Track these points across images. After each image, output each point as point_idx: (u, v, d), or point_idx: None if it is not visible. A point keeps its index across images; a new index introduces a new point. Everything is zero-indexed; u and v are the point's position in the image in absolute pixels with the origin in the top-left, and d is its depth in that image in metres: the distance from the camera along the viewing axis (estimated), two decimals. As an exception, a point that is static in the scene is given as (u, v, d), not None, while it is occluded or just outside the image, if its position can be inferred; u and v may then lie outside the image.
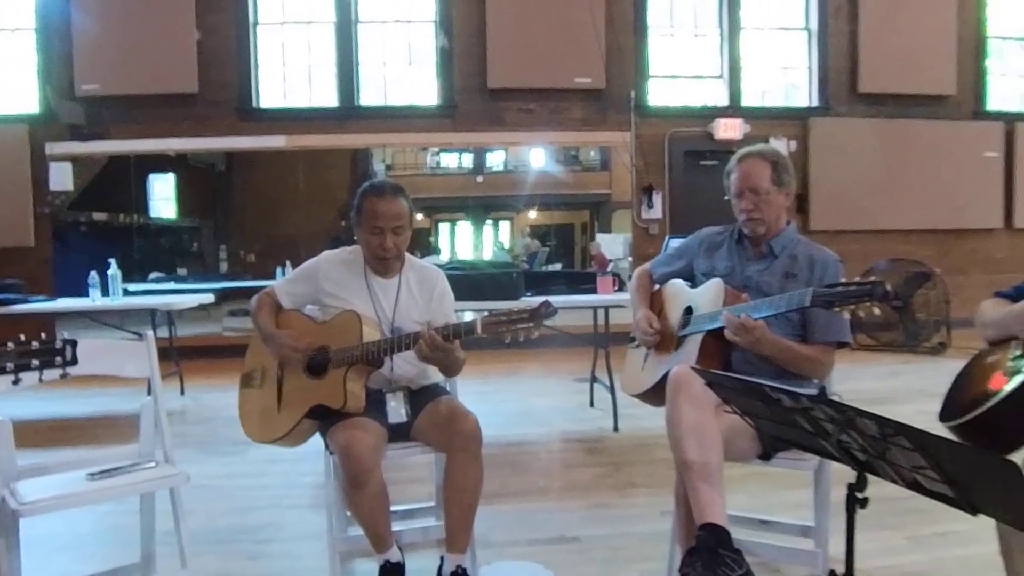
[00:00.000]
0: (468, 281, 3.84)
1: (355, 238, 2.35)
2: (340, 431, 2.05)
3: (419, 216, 2.40)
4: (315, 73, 7.56)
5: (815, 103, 8.09)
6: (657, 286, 2.53)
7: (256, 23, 7.40)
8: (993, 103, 8.52)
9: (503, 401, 5.07)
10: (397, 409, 2.23)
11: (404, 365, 2.27)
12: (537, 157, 7.96)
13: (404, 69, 7.66)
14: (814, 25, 8.07)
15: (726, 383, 1.48)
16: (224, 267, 7.71)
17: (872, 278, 1.78)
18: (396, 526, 2.23)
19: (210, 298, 5.49)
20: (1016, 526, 1.22)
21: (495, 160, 8.29)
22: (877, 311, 1.75)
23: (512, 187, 8.08)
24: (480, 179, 8.26)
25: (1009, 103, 8.69)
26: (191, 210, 8.07)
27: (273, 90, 7.55)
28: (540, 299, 2.08)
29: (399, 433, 2.23)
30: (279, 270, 5.97)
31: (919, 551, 2.49)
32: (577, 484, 3.27)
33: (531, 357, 6.64)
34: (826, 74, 8.03)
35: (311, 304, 2.39)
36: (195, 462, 3.54)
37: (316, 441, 2.26)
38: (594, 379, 4.83)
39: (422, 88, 7.60)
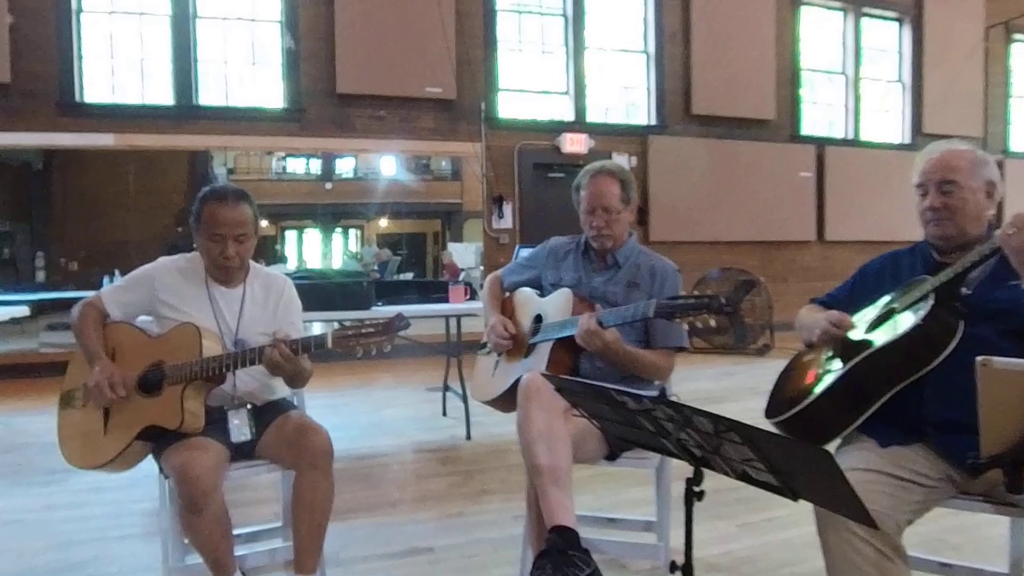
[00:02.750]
0: (317, 290, 3.71)
1: (194, 245, 2.20)
2: (176, 452, 1.90)
3: (264, 223, 2.29)
4: (148, 68, 7.03)
5: (653, 122, 8.60)
6: (507, 293, 2.58)
7: (80, 10, 6.77)
8: (806, 128, 9.47)
9: (354, 413, 4.95)
10: (240, 427, 2.10)
11: (248, 380, 2.15)
12: (388, 165, 7.87)
13: (247, 69, 7.31)
14: (652, 49, 8.59)
15: (575, 388, 1.52)
16: (41, 276, 6.95)
17: (708, 292, 1.91)
18: (239, 550, 2.11)
19: (24, 311, 4.95)
20: (829, 508, 1.35)
21: (344, 167, 8.09)
22: (713, 322, 1.88)
23: (362, 195, 7.93)
24: (329, 186, 8.03)
25: (820, 128, 9.70)
26: (1, 213, 7.24)
27: (100, 84, 6.93)
28: (393, 311, 2.05)
29: (243, 452, 2.10)
30: (106, 279, 5.49)
31: (749, 537, 2.69)
32: (430, 494, 3.25)
33: (383, 367, 6.54)
34: (663, 95, 8.57)
35: (144, 315, 2.21)
36: (5, 496, 3.17)
37: (148, 464, 2.09)
38: (446, 388, 4.83)
39: (267, 90, 7.29)
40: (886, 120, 10.19)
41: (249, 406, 2.14)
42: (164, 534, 2.09)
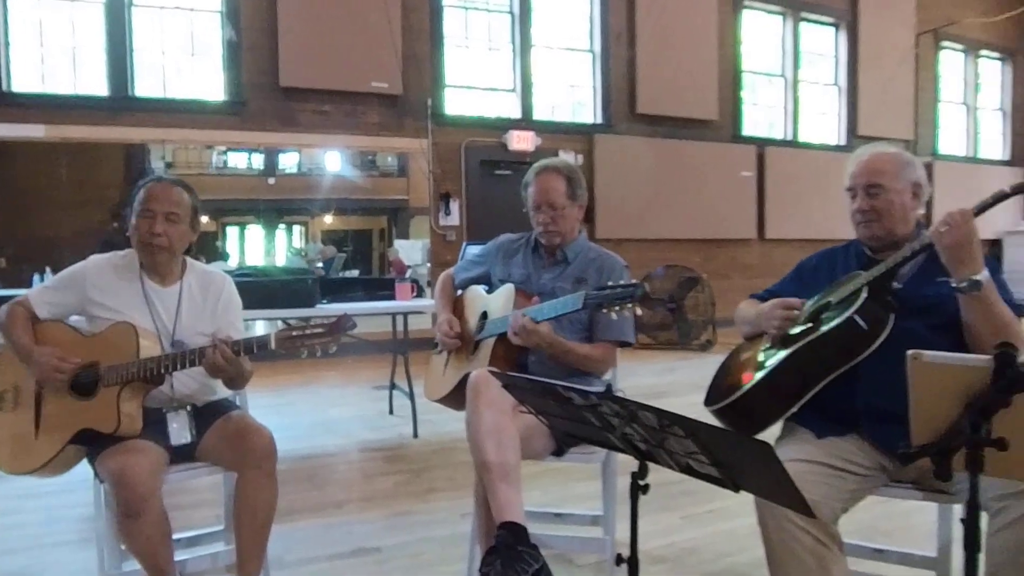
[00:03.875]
0: (260, 288, 3.63)
1: (128, 236, 2.10)
2: (112, 456, 1.84)
3: (204, 219, 2.22)
4: (81, 57, 6.76)
5: (599, 120, 8.68)
6: (459, 291, 2.58)
7: (6, -4, 6.47)
8: (747, 129, 9.71)
9: (299, 413, 4.87)
10: (180, 429, 2.04)
11: (187, 381, 2.09)
12: (333, 160, 7.73)
13: (186, 60, 7.10)
14: (598, 48, 8.67)
15: (522, 384, 1.52)
16: (-35, 274, 6.63)
17: (633, 281, 1.94)
18: (179, 555, 2.05)
19: (-56, 310, 4.70)
20: (769, 498, 1.38)
21: (288, 162, 7.91)
22: (639, 311, 1.91)
23: (306, 190, 7.77)
24: (272, 181, 7.84)
25: (760, 129, 9.95)
26: (-82, 207, 6.86)
27: (29, 72, 6.63)
28: (339, 309, 2.02)
29: (182, 454, 2.05)
30: (36, 277, 5.26)
31: (693, 528, 2.75)
32: (377, 494, 3.22)
33: (328, 366, 6.45)
34: (608, 94, 8.65)
35: (76, 315, 2.12)
36: (-75, 503, 3.02)
37: (83, 468, 2.02)
38: (393, 386, 4.79)
39: (207, 82, 7.09)
40: (823, 122, 10.52)
41: (189, 407, 2.08)
42: (100, 540, 2.02)
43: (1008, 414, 1.16)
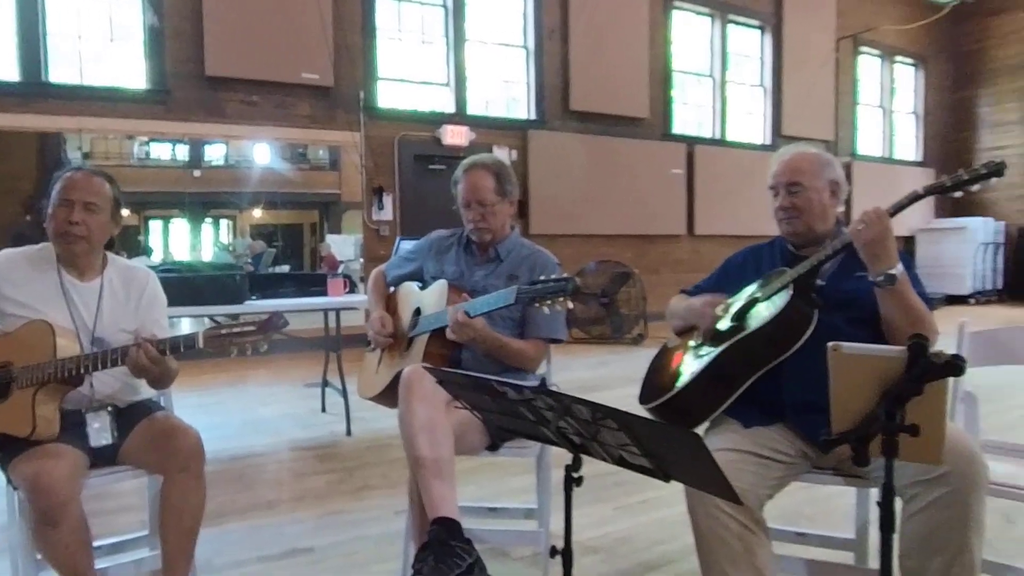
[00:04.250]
0: (186, 284, 3.52)
1: (44, 228, 2.00)
2: (26, 462, 1.75)
3: (126, 212, 2.13)
4: (-13, 41, 6.38)
5: (533, 116, 8.73)
6: (392, 288, 2.56)
7: (-99, -27, 6.05)
8: (677, 127, 9.91)
9: (227, 412, 4.73)
10: (100, 431, 1.95)
11: (108, 381, 2.01)
12: (261, 153, 7.50)
13: (105, 45, 6.78)
14: (531, 44, 8.71)
15: (456, 380, 1.52)
16: None
17: (565, 275, 1.96)
18: (101, 563, 1.97)
19: None
20: (699, 487, 1.42)
21: (214, 153, 7.64)
22: (571, 305, 1.93)
23: (234, 183, 7.51)
24: (198, 173, 7.55)
25: (689, 127, 10.18)
26: None
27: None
28: (269, 305, 1.98)
29: (104, 458, 1.96)
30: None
31: (625, 518, 2.80)
32: (309, 493, 3.16)
33: (258, 364, 6.29)
34: (542, 91, 8.70)
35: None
36: None
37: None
38: (326, 383, 4.71)
39: (127, 69, 6.79)
40: (750, 121, 10.85)
41: (110, 408, 1.99)
42: (14, 550, 1.92)
43: (920, 402, 1.23)
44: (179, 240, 7.73)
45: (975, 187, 1.72)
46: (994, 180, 1.71)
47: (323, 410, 4.67)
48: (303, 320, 4.69)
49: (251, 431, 4.24)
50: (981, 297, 11.77)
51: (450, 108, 8.23)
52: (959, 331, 2.01)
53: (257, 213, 7.88)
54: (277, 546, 2.58)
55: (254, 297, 3.86)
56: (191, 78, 6.78)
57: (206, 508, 1.96)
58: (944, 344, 1.36)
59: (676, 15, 9.83)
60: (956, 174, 1.73)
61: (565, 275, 1.96)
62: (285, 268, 7.77)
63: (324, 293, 4.29)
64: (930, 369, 1.21)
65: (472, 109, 8.38)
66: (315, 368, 5.09)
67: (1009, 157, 11.04)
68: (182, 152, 7.45)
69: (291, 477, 3.43)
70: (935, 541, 1.54)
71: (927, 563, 1.56)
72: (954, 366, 1.20)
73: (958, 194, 1.74)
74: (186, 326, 4.11)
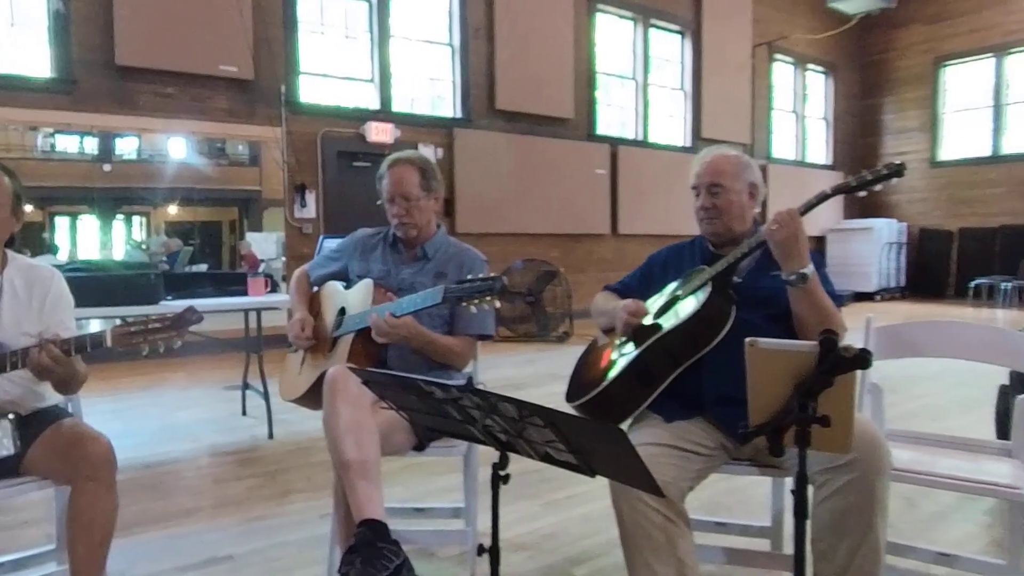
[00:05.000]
0: (96, 284, 3.35)
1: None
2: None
3: (29, 208, 2.01)
4: None
5: (459, 115, 8.70)
6: (316, 288, 2.51)
7: None
8: (601, 128, 10.07)
9: (141, 418, 4.53)
10: (1, 440, 1.84)
11: (9, 387, 1.89)
12: (177, 147, 7.19)
13: (5, 30, 6.37)
14: (457, 42, 8.68)
15: (382, 380, 1.50)
16: None
17: (492, 274, 1.97)
18: (1, 579, 1.86)
19: None
20: (623, 481, 1.45)
21: (126, 147, 7.28)
22: (498, 304, 1.94)
23: (147, 178, 7.17)
24: (108, 168, 7.17)
25: (613, 129, 10.36)
26: None
27: None
28: (185, 305, 1.91)
29: (6, 468, 1.85)
30: None
31: (552, 514, 2.82)
32: (230, 499, 3.06)
33: (174, 367, 6.05)
34: (468, 89, 8.69)
35: None
36: None
37: None
38: (246, 386, 4.58)
39: (30, 56, 6.40)
40: (671, 124, 11.13)
41: (12, 416, 1.88)
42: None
43: (831, 393, 1.28)
44: (88, 238, 7.32)
45: (878, 187, 1.82)
46: (895, 181, 1.81)
47: (244, 413, 4.53)
48: (222, 321, 4.51)
49: (167, 437, 4.08)
50: (886, 294, 12.43)
51: (375, 105, 8.11)
52: (866, 326, 2.12)
53: (173, 210, 7.55)
54: (195, 555, 2.49)
55: (170, 297, 3.72)
56: (100, 67, 6.45)
57: (119, 519, 1.87)
58: (852, 339, 1.42)
59: (600, 17, 9.99)
60: (860, 175, 1.83)
61: (492, 274, 1.97)
62: (203, 267, 7.49)
63: (244, 293, 4.16)
64: (840, 362, 1.26)
65: (397, 106, 8.29)
66: (235, 370, 4.94)
67: (911, 162, 11.80)
68: (91, 145, 7.06)
69: (210, 483, 3.32)
70: (844, 524, 1.62)
71: (837, 545, 1.63)
72: (862, 359, 1.26)
73: (863, 194, 1.84)
74: (95, 328, 3.92)
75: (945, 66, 12.64)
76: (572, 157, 9.50)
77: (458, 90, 8.73)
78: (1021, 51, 11.76)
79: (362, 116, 7.90)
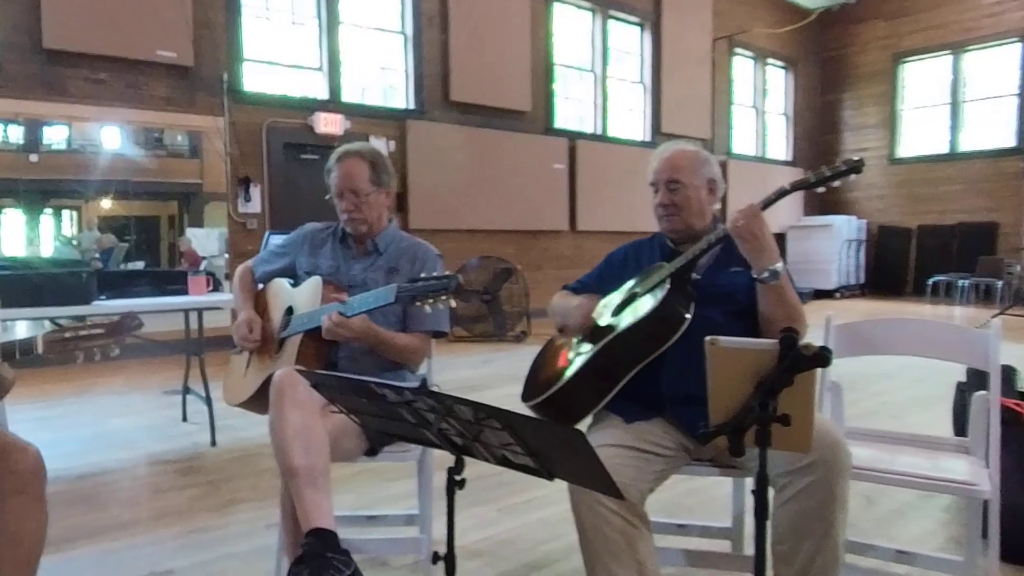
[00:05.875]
0: (22, 282, 3.16)
1: None
2: None
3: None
4: None
5: (412, 106, 8.55)
6: (261, 285, 2.40)
7: None
8: (560, 122, 10.00)
9: (73, 426, 4.31)
10: (-83, 452, 1.70)
11: (-78, 395, 1.75)
12: (111, 137, 6.82)
13: (-79, 14, 6.00)
14: (410, 31, 8.51)
15: (331, 383, 1.45)
16: None
17: (448, 272, 1.91)
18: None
19: None
20: (582, 484, 1.41)
21: (55, 136, 6.90)
22: (454, 303, 1.88)
23: (78, 170, 6.79)
24: (34, 158, 6.77)
25: (571, 122, 10.29)
26: None
27: None
28: (121, 306, 1.79)
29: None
30: None
31: (509, 519, 2.77)
32: (170, 511, 2.92)
33: (109, 371, 5.80)
34: (421, 79, 8.53)
35: None
36: None
37: None
38: (187, 390, 4.40)
39: (-51, 41, 6.03)
40: (630, 118, 11.12)
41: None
42: None
43: (791, 392, 1.27)
44: (13, 233, 6.94)
45: (837, 183, 1.81)
46: (854, 177, 1.80)
47: (184, 419, 4.35)
48: (161, 322, 4.32)
49: (102, 445, 3.88)
50: (846, 291, 12.60)
51: (323, 94, 7.91)
52: (826, 324, 2.11)
53: (106, 203, 7.20)
54: (133, 571, 2.36)
55: (103, 297, 3.54)
56: (25, 50, 6.08)
57: (49, 533, 1.76)
58: (812, 337, 1.41)
59: (557, 7, 9.89)
60: (819, 170, 1.81)
61: (447, 272, 1.90)
62: (140, 265, 7.17)
63: (185, 292, 4.00)
64: (800, 361, 1.26)
65: (347, 96, 8.10)
66: (175, 374, 4.76)
67: (869, 159, 12.08)
68: (15, 133, 6.68)
69: (149, 494, 3.16)
70: (805, 527, 1.60)
71: (797, 548, 1.62)
72: (822, 357, 1.25)
73: (822, 190, 1.82)
74: (23, 330, 3.71)
75: (904, 63, 12.86)
76: (529, 151, 9.42)
77: (411, 80, 8.56)
78: (978, 48, 12.01)
79: (310, 106, 7.69)
